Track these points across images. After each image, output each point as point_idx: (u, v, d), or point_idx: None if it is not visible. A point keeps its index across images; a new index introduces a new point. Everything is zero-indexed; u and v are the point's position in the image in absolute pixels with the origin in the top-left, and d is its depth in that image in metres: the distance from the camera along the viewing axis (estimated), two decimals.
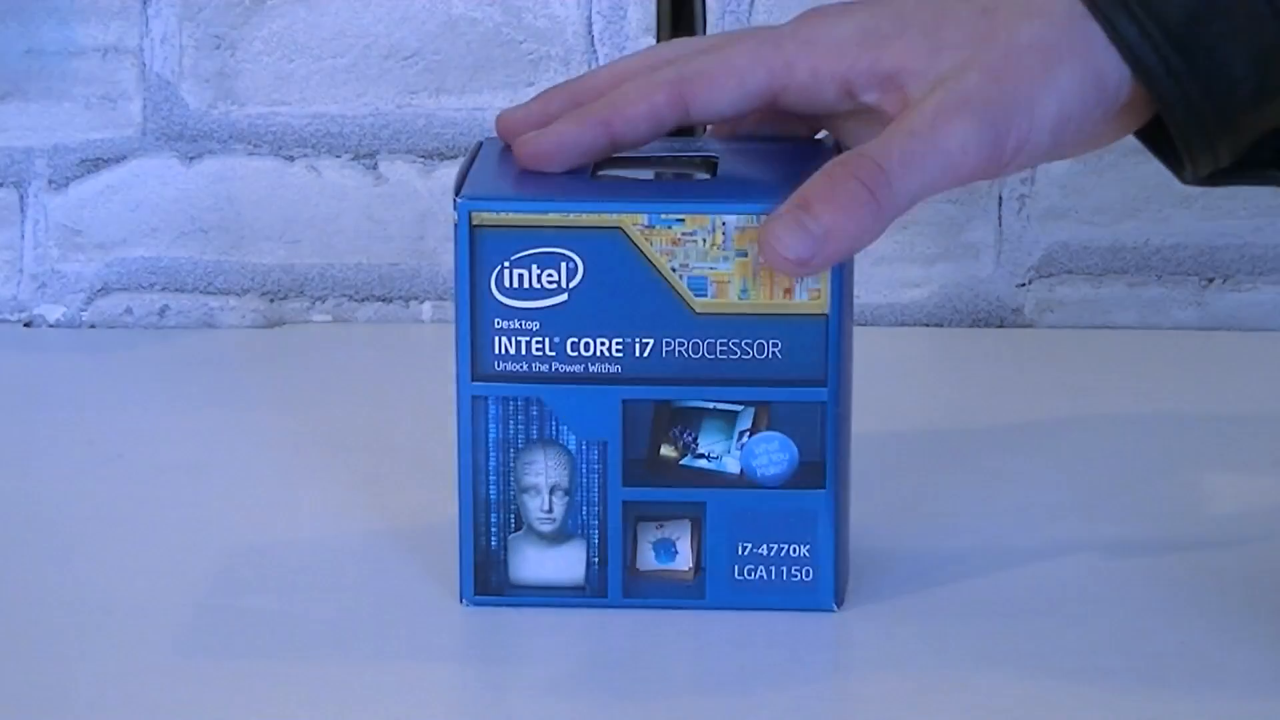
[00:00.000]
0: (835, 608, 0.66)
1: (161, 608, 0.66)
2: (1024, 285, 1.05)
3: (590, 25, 1.04)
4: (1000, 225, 1.05)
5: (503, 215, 0.64)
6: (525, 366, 0.65)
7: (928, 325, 1.04)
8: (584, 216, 0.64)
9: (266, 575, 0.69)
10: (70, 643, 0.63)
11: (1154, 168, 0.71)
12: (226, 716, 0.58)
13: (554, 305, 0.64)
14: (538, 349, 0.64)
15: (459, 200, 0.64)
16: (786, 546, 0.66)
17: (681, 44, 0.71)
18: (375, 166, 1.05)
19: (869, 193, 0.63)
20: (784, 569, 0.66)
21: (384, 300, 1.06)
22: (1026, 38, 0.65)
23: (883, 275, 1.03)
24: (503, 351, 0.65)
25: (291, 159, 1.05)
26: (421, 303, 1.06)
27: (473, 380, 0.65)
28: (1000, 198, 1.05)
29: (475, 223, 0.64)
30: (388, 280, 1.06)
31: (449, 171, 1.05)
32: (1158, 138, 0.69)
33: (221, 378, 0.96)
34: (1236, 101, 0.66)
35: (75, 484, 0.80)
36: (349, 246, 1.06)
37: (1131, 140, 0.70)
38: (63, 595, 0.67)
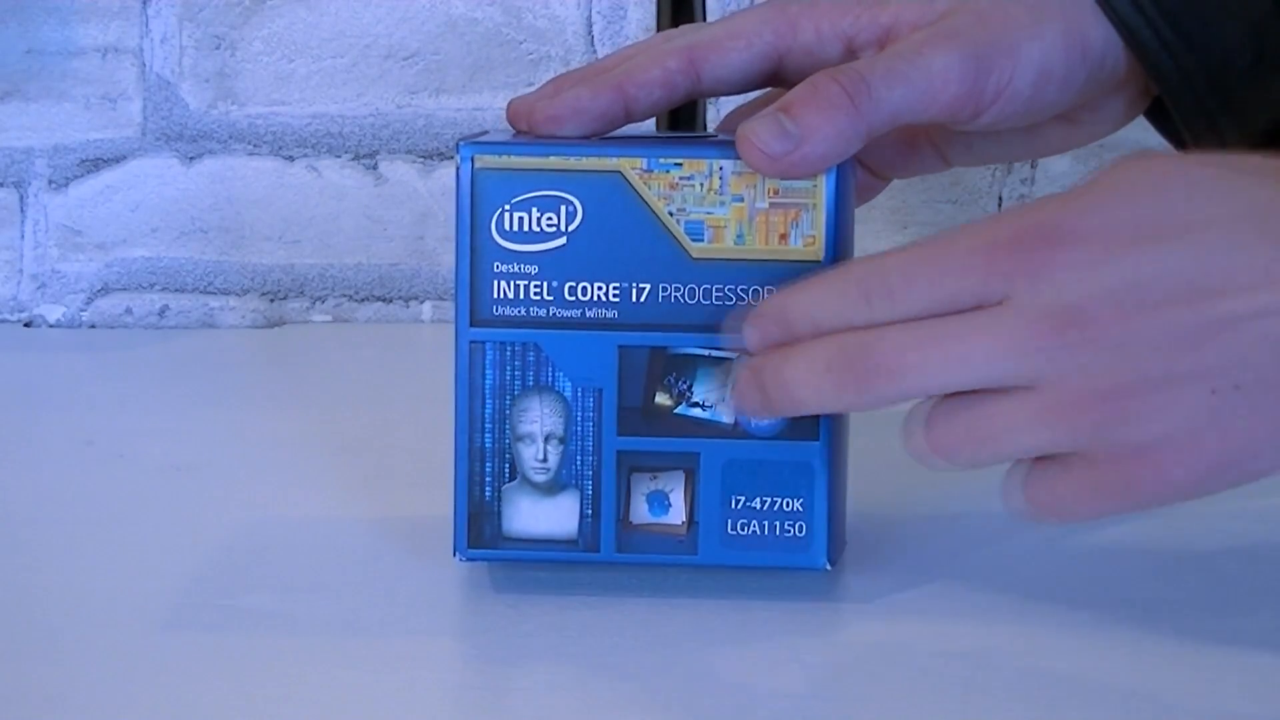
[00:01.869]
0: (828, 566, 0.66)
1: (161, 606, 0.66)
2: None
3: (590, 25, 1.04)
4: None
5: (504, 158, 0.65)
6: (523, 311, 0.65)
7: None
8: (584, 160, 0.64)
9: (266, 574, 0.69)
10: (70, 641, 0.63)
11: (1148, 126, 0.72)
12: (227, 713, 0.58)
13: (552, 249, 0.65)
14: (536, 293, 0.65)
15: (461, 144, 0.65)
16: (780, 500, 0.65)
17: (688, 26, 0.72)
18: (375, 166, 1.05)
19: (848, 98, 0.63)
20: (777, 524, 0.65)
21: (384, 300, 1.06)
22: None
23: None
24: (501, 296, 0.65)
25: (291, 159, 1.05)
26: (421, 303, 1.06)
27: (471, 325, 0.65)
28: (1000, 198, 1.05)
29: (477, 165, 0.64)
30: (388, 280, 1.06)
31: (449, 171, 1.05)
32: (1167, 123, 0.69)
33: (221, 378, 0.96)
34: (1233, 75, 0.66)
35: (75, 484, 0.80)
36: (349, 246, 1.06)
37: (1130, 140, 0.70)
38: (62, 595, 0.67)
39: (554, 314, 0.65)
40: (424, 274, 1.06)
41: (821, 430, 0.65)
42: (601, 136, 0.67)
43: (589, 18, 1.04)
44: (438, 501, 0.70)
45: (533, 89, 0.69)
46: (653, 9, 1.01)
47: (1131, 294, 0.57)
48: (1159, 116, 0.70)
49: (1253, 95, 0.67)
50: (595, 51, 1.04)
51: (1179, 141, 0.70)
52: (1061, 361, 0.58)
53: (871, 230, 1.03)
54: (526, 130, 0.68)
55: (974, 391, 0.60)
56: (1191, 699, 0.59)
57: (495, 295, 0.65)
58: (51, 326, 1.06)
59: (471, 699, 0.60)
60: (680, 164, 0.64)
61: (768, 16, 0.68)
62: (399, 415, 0.89)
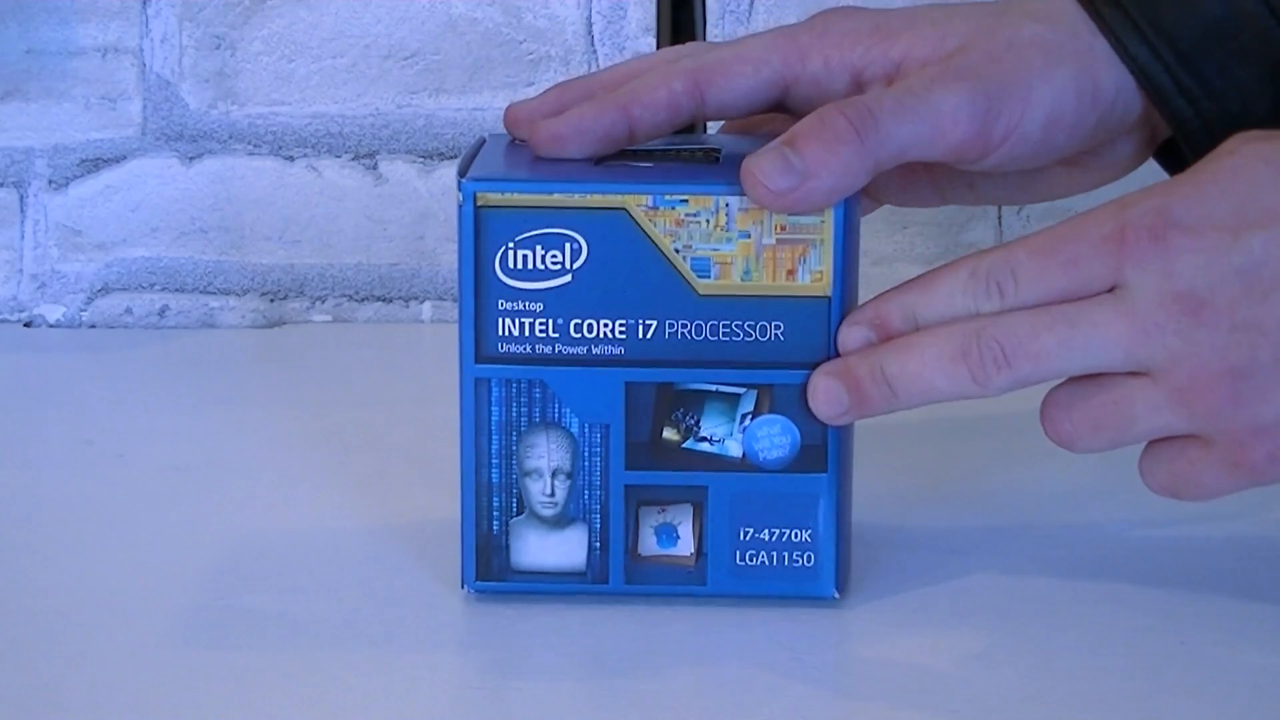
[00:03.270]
0: (836, 595, 0.66)
1: (161, 607, 0.66)
2: None
3: (590, 25, 1.04)
4: (1000, 225, 1.05)
5: (508, 196, 0.64)
6: (528, 348, 0.65)
7: None
8: (588, 197, 0.64)
9: (266, 574, 0.69)
10: (70, 642, 0.63)
11: (1153, 168, 0.71)
12: (227, 714, 0.58)
13: (558, 286, 0.64)
14: (541, 331, 0.65)
15: (463, 182, 0.64)
16: (788, 532, 0.66)
17: (696, 45, 0.72)
18: (375, 166, 1.05)
19: (855, 132, 0.63)
20: (785, 554, 0.66)
21: (384, 300, 1.06)
22: (1030, 34, 0.66)
23: (882, 275, 1.03)
24: (506, 333, 0.65)
25: (291, 159, 1.05)
26: (421, 303, 1.06)
27: (476, 362, 0.65)
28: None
29: (480, 203, 0.64)
30: (388, 280, 1.06)
31: (449, 171, 1.05)
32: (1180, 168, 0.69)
33: (221, 378, 0.96)
34: (1251, 121, 0.66)
35: (75, 484, 0.80)
36: (349, 246, 1.06)
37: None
38: (63, 595, 0.67)
39: (560, 351, 0.65)
40: (424, 274, 1.06)
41: (829, 462, 0.65)
42: (602, 156, 0.67)
43: (589, 18, 1.04)
44: (438, 503, 0.70)
45: (532, 89, 0.69)
46: (653, 9, 1.01)
47: (1247, 278, 0.59)
48: (1171, 159, 0.70)
49: None
50: (595, 51, 1.04)
51: None
52: (1182, 345, 0.60)
53: (871, 230, 1.03)
54: (526, 139, 0.67)
55: (1089, 379, 0.61)
56: (1192, 700, 0.59)
57: (500, 333, 0.65)
58: (51, 326, 1.06)
59: (472, 702, 0.60)
60: (686, 200, 0.64)
61: (777, 44, 0.67)
62: (399, 415, 0.89)
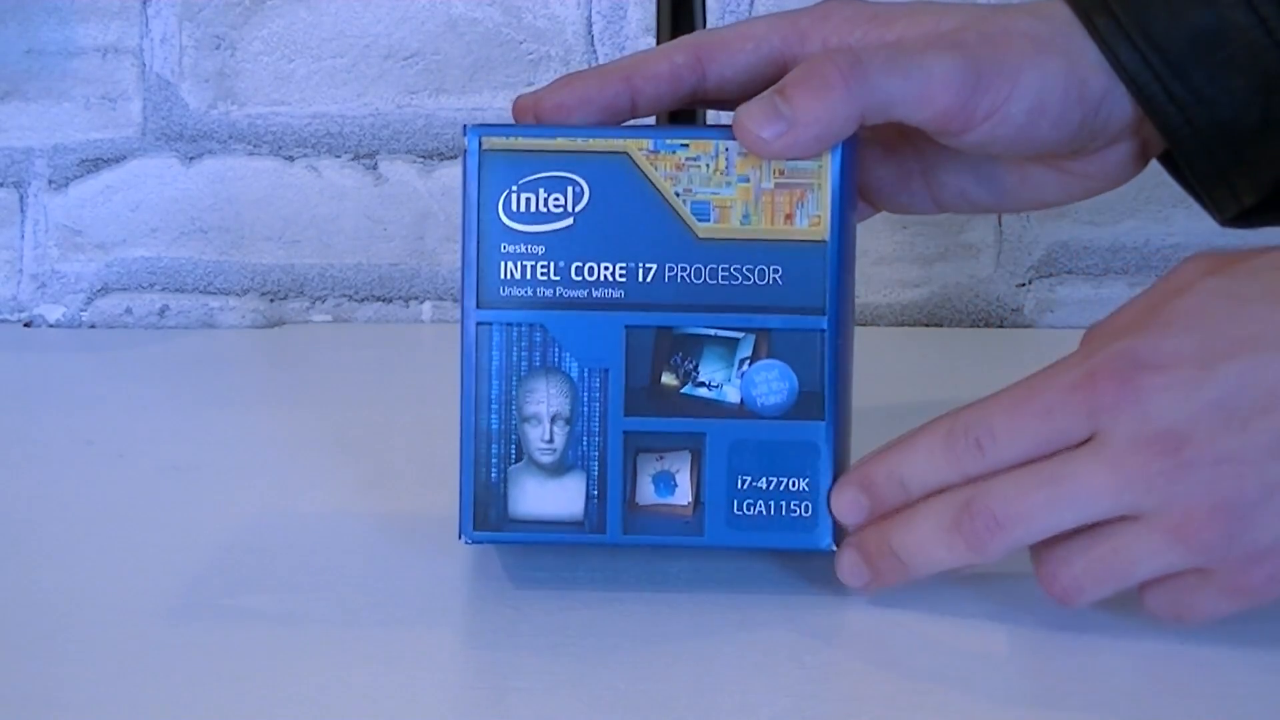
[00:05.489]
0: (834, 547, 0.66)
1: (161, 606, 0.66)
2: (1024, 285, 1.05)
3: (590, 25, 1.04)
4: (1000, 225, 1.05)
5: (511, 140, 0.65)
6: (530, 292, 0.65)
7: (928, 325, 1.04)
8: (590, 141, 0.65)
9: (266, 574, 0.69)
10: (71, 641, 0.63)
11: (1153, 168, 0.72)
12: (228, 713, 0.58)
13: (559, 229, 0.65)
14: (542, 274, 0.65)
15: (469, 128, 0.65)
16: (786, 480, 0.66)
17: (698, 31, 0.73)
18: (375, 166, 1.05)
19: (843, 80, 0.64)
20: (783, 504, 0.66)
21: (384, 300, 1.06)
22: (1024, 26, 0.67)
23: (883, 275, 1.03)
24: (508, 276, 0.65)
25: (291, 159, 1.05)
26: (421, 303, 1.06)
27: (478, 307, 0.65)
28: None
29: (485, 147, 0.65)
30: (388, 280, 1.06)
31: (449, 171, 1.05)
32: (1180, 173, 0.70)
33: (221, 378, 0.96)
34: (1242, 131, 0.66)
35: (75, 484, 0.80)
36: (349, 246, 1.06)
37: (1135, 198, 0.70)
38: (63, 594, 0.68)
39: (560, 295, 0.65)
40: (424, 274, 1.06)
41: (828, 410, 0.65)
42: (620, 120, 0.68)
43: (589, 18, 1.04)
44: (438, 501, 0.69)
45: (532, 89, 0.70)
46: (653, 9, 1.01)
47: (1225, 409, 0.59)
48: (1173, 165, 0.70)
49: (1262, 154, 0.67)
50: (595, 51, 1.04)
51: (1193, 192, 0.70)
52: (1169, 486, 0.59)
53: (872, 230, 1.03)
54: (536, 105, 0.68)
55: (1082, 530, 0.61)
56: (1193, 700, 0.59)
57: (502, 276, 0.65)
58: (51, 326, 1.06)
59: (472, 697, 0.61)
60: (686, 145, 0.65)
61: (777, 24, 0.69)
62: (399, 415, 0.89)
